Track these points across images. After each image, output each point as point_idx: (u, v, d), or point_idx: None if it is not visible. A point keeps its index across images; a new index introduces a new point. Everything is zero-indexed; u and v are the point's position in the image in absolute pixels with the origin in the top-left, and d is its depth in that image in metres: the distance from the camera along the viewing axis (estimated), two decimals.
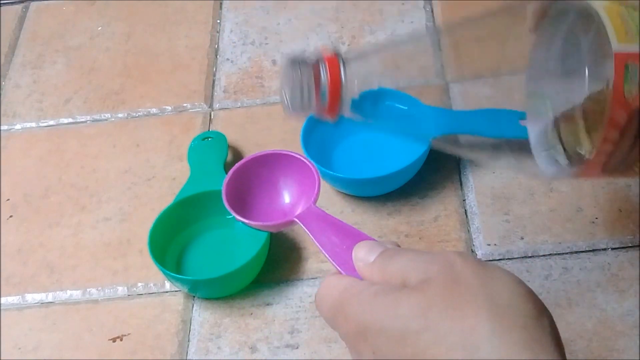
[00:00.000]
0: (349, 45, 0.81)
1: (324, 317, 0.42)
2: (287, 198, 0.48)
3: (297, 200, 0.47)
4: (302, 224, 0.45)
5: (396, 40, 0.49)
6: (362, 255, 0.42)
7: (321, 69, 0.45)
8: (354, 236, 0.43)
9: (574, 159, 0.47)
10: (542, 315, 0.37)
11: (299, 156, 0.47)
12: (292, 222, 0.45)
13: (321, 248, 0.43)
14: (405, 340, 0.37)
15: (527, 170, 0.50)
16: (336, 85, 0.45)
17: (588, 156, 0.46)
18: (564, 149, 0.47)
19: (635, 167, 0.48)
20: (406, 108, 0.71)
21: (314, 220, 0.44)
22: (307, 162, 0.47)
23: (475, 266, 0.38)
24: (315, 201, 0.45)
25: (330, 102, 0.45)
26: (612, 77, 0.44)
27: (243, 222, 0.47)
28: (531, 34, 0.46)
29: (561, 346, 0.36)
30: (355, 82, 0.46)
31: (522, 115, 0.70)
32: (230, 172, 0.48)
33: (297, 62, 0.46)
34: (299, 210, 0.46)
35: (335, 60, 0.46)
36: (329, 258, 0.43)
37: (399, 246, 0.43)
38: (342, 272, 0.42)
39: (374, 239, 0.43)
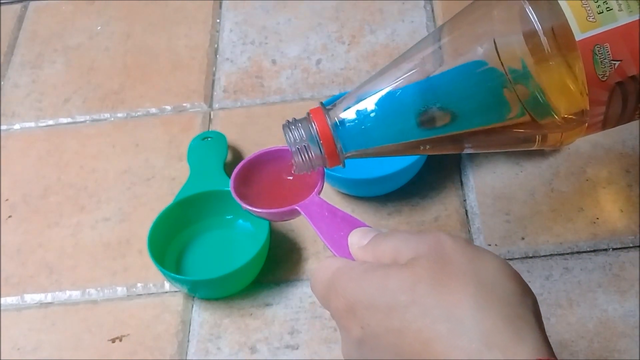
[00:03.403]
0: (349, 44, 0.80)
1: (317, 296, 0.44)
2: (292, 190, 0.50)
3: (302, 192, 0.49)
4: (303, 212, 0.47)
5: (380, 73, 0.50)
6: (356, 239, 0.44)
7: (310, 125, 0.47)
8: (351, 224, 0.45)
9: (569, 121, 0.47)
10: (525, 294, 0.38)
11: None
12: (294, 211, 0.48)
13: (319, 234, 0.45)
14: (392, 313, 0.38)
15: None
16: (325, 131, 0.47)
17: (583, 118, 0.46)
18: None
19: (636, 115, 0.48)
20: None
21: (315, 209, 0.47)
22: None
23: (464, 246, 0.39)
24: (318, 192, 0.48)
25: (327, 150, 0.47)
26: (577, 49, 0.44)
27: (248, 210, 0.49)
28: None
29: (542, 324, 0.38)
30: (343, 119, 0.48)
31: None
32: (240, 165, 0.50)
33: (288, 127, 0.48)
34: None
35: (320, 111, 0.48)
36: (326, 243, 0.45)
37: None
38: (337, 256, 0.44)
39: (370, 227, 0.45)
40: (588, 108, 0.46)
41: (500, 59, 0.46)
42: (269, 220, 0.61)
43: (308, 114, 0.48)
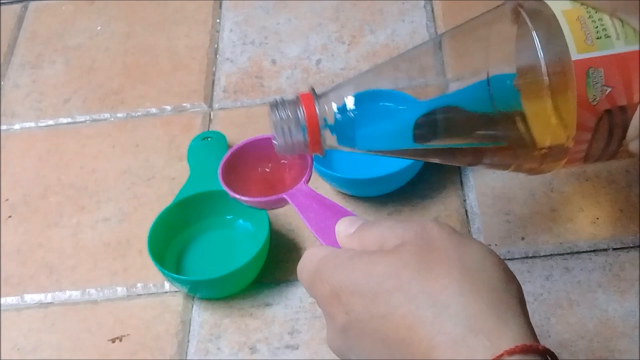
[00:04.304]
0: (349, 44, 0.80)
1: (303, 284, 0.44)
2: (281, 179, 0.50)
3: (290, 181, 0.49)
4: (291, 200, 0.47)
5: (372, 68, 0.51)
6: (343, 227, 0.44)
7: (298, 109, 0.47)
8: (339, 213, 0.45)
9: (552, 152, 0.47)
10: (510, 281, 0.39)
11: None
12: (282, 199, 0.48)
13: (306, 223, 0.46)
14: (377, 299, 0.38)
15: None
16: (312, 119, 0.47)
17: (565, 149, 0.46)
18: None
19: (620, 154, 0.48)
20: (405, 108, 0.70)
21: (303, 197, 0.47)
22: None
23: (450, 234, 0.40)
24: (306, 181, 0.48)
25: (310, 137, 0.47)
26: (573, 85, 0.44)
27: (236, 199, 0.49)
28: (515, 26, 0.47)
29: (526, 311, 0.38)
30: (333, 111, 0.48)
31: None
32: (227, 154, 0.50)
33: (276, 106, 0.47)
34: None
35: (310, 97, 0.47)
36: (313, 232, 0.45)
37: None
38: (324, 244, 0.44)
39: (357, 216, 0.45)
40: (568, 145, 0.46)
41: (490, 90, 0.46)
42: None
43: (297, 97, 0.48)
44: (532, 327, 0.37)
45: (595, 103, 0.45)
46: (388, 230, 0.41)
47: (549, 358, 0.36)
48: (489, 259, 0.39)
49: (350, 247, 0.43)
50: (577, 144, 0.47)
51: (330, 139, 0.48)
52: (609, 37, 0.45)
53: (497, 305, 0.37)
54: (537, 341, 0.36)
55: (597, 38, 0.45)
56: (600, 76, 0.45)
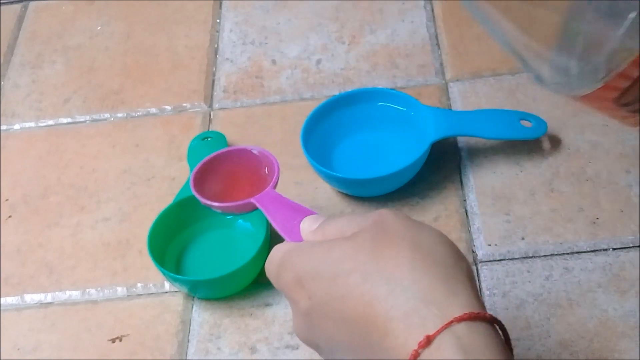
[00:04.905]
0: (349, 44, 0.80)
1: (270, 277, 0.47)
2: (250, 186, 0.53)
3: (259, 187, 0.52)
4: (258, 204, 0.50)
5: None
6: (307, 225, 0.47)
7: None
8: (303, 213, 0.48)
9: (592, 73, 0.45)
10: (460, 259, 0.42)
11: (261, 150, 0.54)
12: (250, 204, 0.51)
13: (273, 224, 0.49)
14: (336, 281, 0.41)
15: (530, 63, 0.48)
16: None
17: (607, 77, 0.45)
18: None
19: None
20: (404, 109, 0.71)
21: (270, 201, 0.50)
22: (268, 155, 0.53)
23: (405, 220, 0.42)
24: (273, 186, 0.51)
25: None
26: None
27: (207, 205, 0.52)
28: None
29: (475, 285, 0.41)
30: None
31: (522, 116, 0.69)
32: (200, 164, 0.54)
33: None
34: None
35: None
36: (281, 232, 0.48)
37: None
38: (289, 241, 0.47)
39: (320, 214, 0.48)
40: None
41: None
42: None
43: None
44: (480, 298, 0.40)
45: None
46: (347, 221, 0.44)
47: (497, 327, 0.39)
48: (439, 239, 0.42)
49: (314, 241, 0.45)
50: (631, 67, 0.43)
51: None
52: None
53: (447, 279, 0.39)
54: (484, 310, 0.39)
55: None
56: None
